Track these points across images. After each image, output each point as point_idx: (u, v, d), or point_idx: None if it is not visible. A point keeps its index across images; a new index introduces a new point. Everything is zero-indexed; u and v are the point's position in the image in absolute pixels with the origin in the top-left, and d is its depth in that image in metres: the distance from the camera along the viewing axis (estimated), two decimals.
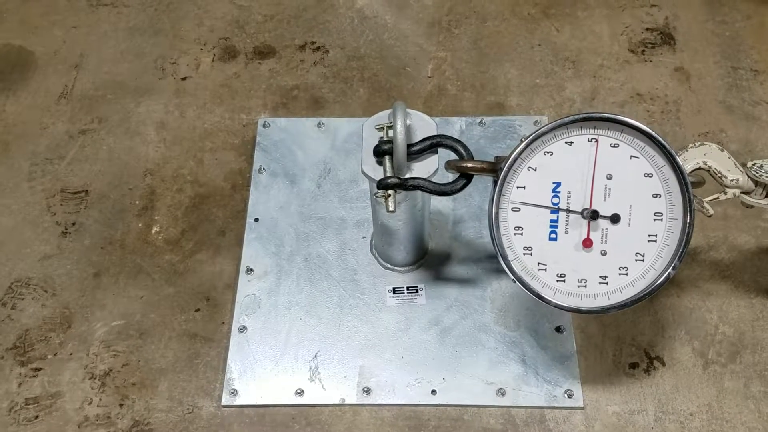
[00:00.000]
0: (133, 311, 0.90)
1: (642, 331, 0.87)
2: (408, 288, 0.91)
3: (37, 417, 0.83)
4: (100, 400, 0.84)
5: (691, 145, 0.76)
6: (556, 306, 0.73)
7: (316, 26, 1.17)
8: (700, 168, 0.76)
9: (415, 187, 0.75)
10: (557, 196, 0.72)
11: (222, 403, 0.83)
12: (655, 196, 0.72)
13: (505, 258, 0.73)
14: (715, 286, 0.90)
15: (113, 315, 0.90)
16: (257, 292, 0.91)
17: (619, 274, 0.73)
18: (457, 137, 1.01)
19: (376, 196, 0.75)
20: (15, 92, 1.10)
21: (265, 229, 0.96)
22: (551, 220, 0.72)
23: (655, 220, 0.72)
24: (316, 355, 0.86)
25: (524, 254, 0.73)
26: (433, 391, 0.83)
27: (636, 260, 0.73)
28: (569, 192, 0.72)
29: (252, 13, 1.18)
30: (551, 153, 0.71)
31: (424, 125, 0.79)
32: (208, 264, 0.94)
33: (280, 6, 1.19)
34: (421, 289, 0.91)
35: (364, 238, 0.95)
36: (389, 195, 0.74)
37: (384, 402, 0.83)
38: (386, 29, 1.16)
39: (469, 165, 0.74)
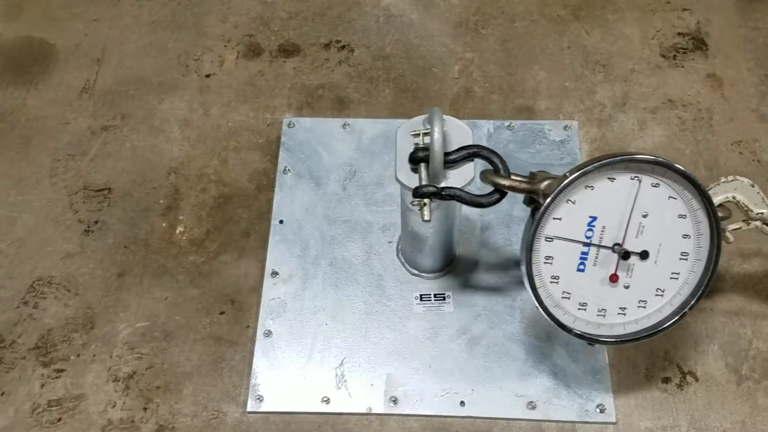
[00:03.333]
0: (157, 313, 0.89)
1: (675, 345, 0.85)
2: (435, 295, 0.90)
3: (60, 419, 0.82)
4: (124, 403, 0.83)
5: (723, 179, 0.77)
6: (576, 335, 0.74)
7: (341, 24, 1.15)
8: (728, 201, 0.78)
9: (451, 197, 0.73)
10: (591, 230, 0.71)
11: (247, 409, 0.82)
12: (685, 236, 0.72)
13: (533, 287, 0.72)
14: (749, 301, 0.89)
15: (137, 316, 0.89)
16: (282, 295, 0.90)
17: (638, 307, 0.74)
18: (485, 142, 1.01)
19: (412, 205, 0.74)
20: (36, 86, 1.09)
21: (290, 232, 0.94)
22: (582, 252, 0.72)
23: (680, 259, 0.73)
24: (342, 362, 0.85)
25: (551, 282, 0.73)
26: (462, 403, 0.82)
27: (656, 295, 0.74)
28: (603, 227, 0.71)
29: (276, 10, 1.17)
30: (592, 188, 0.70)
31: (460, 132, 0.78)
32: (233, 266, 0.92)
33: (304, 3, 1.17)
34: (449, 296, 0.89)
35: (390, 242, 0.94)
36: (425, 204, 0.72)
37: (412, 412, 0.82)
38: (412, 28, 1.14)
39: (506, 183, 0.73)
